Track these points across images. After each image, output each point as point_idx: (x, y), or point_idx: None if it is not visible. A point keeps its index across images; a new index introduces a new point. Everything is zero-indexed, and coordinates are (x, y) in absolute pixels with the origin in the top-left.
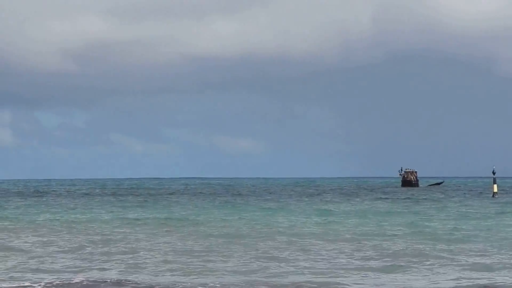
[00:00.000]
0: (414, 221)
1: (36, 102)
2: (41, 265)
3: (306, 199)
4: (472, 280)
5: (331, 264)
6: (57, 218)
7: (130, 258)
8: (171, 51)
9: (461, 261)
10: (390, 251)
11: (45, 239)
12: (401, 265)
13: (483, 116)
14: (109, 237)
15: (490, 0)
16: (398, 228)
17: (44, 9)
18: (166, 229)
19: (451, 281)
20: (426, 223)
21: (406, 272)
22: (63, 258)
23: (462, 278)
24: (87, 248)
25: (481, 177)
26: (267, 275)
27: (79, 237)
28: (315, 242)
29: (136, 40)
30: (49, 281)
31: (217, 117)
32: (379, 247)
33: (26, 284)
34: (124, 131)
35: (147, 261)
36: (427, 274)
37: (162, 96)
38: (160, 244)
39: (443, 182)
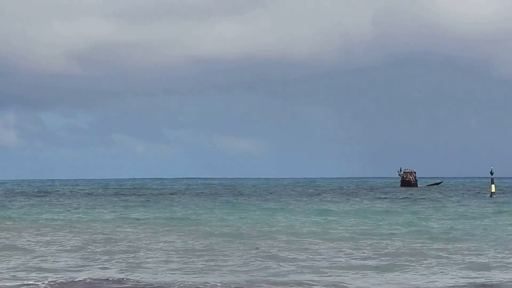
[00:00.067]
0: (412, 220)
1: (40, 103)
2: (44, 264)
3: (306, 199)
4: (469, 279)
5: (331, 263)
6: (60, 217)
7: (132, 257)
8: (174, 53)
9: (458, 260)
10: (389, 250)
11: (48, 238)
12: (399, 264)
13: (481, 117)
14: (111, 236)
15: (489, 4)
16: (397, 228)
17: (49, 12)
18: (167, 228)
19: (448, 280)
20: (424, 223)
21: (404, 271)
22: (66, 257)
23: (459, 277)
24: (89, 247)
25: (479, 177)
26: (267, 273)
27: (82, 237)
28: (315, 241)
29: (139, 42)
30: (52, 280)
31: (219, 118)
32: (378, 246)
33: (30, 282)
34: (127, 132)
35: (149, 260)
36: (425, 273)
37: (165, 97)
38: (162, 243)
39: (442, 182)
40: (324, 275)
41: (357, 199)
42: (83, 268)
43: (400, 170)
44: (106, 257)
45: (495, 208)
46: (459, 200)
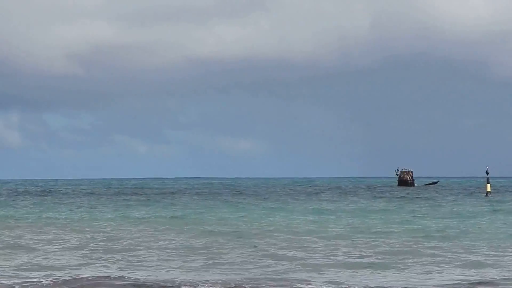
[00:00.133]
0: (408, 219)
1: (44, 104)
2: (47, 262)
3: (305, 198)
4: (464, 277)
5: (328, 260)
6: (63, 216)
7: (133, 255)
8: (174, 54)
9: (453, 258)
10: (385, 248)
11: (51, 237)
12: (395, 262)
13: (478, 118)
14: (113, 235)
15: (486, 6)
16: (393, 226)
17: (52, 14)
18: (168, 227)
19: (443, 277)
20: (420, 221)
21: (400, 269)
22: (68, 255)
23: (454, 274)
24: (91, 246)
25: (475, 177)
26: (266, 271)
27: (84, 235)
28: (312, 240)
29: (140, 44)
30: (56, 277)
31: (219, 118)
32: (374, 245)
33: (34, 280)
34: (128, 132)
35: (150, 258)
36: (420, 271)
37: (166, 98)
38: (162, 242)
39: (438, 181)
40: (322, 273)
41: (355, 198)
42: (85, 266)
43: (398, 170)
44: (108, 255)
45: (490, 207)
46: (455, 199)
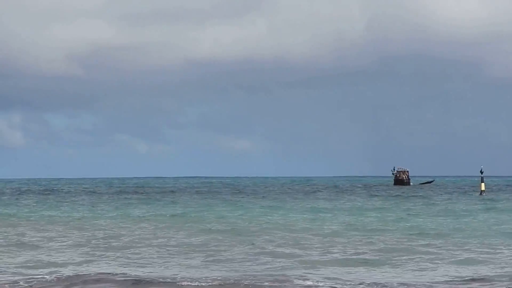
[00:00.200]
0: (404, 217)
1: (45, 105)
2: (51, 259)
3: (302, 196)
4: (457, 273)
5: (324, 258)
6: (65, 214)
7: (134, 252)
8: (173, 55)
9: (447, 255)
10: (380, 246)
11: (53, 235)
12: (390, 259)
13: (472, 118)
14: (114, 232)
15: (479, 8)
16: (388, 224)
17: (52, 16)
18: (168, 225)
19: (437, 274)
20: (415, 219)
21: (395, 266)
22: (71, 252)
23: (448, 271)
24: (93, 243)
25: (470, 176)
26: (264, 268)
27: (86, 233)
28: (309, 237)
29: (140, 45)
30: (59, 274)
31: (218, 119)
32: (370, 242)
33: (39, 277)
34: (129, 132)
35: (151, 255)
36: (415, 268)
37: (165, 98)
38: (163, 239)
39: (434, 181)
40: (318, 269)
41: (351, 197)
42: (87, 263)
43: (394, 169)
44: (109, 253)
45: (484, 206)
46: (449, 198)
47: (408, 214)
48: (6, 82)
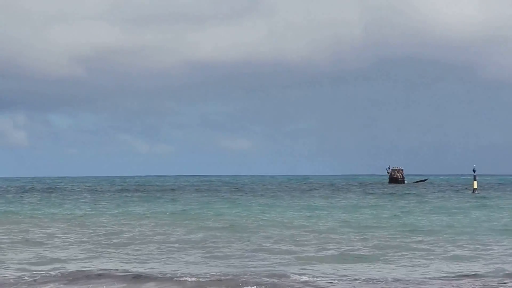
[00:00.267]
0: (397, 214)
1: (49, 105)
2: (54, 255)
3: (299, 194)
4: (449, 269)
5: (320, 254)
6: (68, 212)
7: (135, 249)
8: (174, 57)
9: (440, 252)
10: (374, 242)
11: (57, 232)
12: (384, 255)
13: (466, 117)
14: (116, 229)
15: (474, 9)
16: (383, 221)
17: (56, 20)
18: (169, 222)
19: (430, 270)
20: (408, 216)
21: (389, 262)
22: (74, 249)
23: (440, 267)
24: (96, 240)
25: (463, 174)
26: (261, 264)
27: (88, 230)
28: (305, 234)
29: (141, 47)
30: (62, 270)
31: (217, 119)
32: (364, 238)
33: (43, 272)
34: (130, 132)
35: (152, 251)
36: (407, 264)
37: (166, 99)
38: (163, 236)
39: (428, 179)
40: (314, 265)
41: (347, 194)
42: (90, 259)
43: (389, 168)
44: (111, 249)
45: (476, 203)
46: (443, 196)
47: (402, 211)
48: (11, 84)
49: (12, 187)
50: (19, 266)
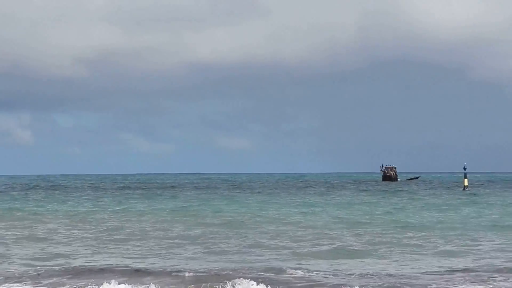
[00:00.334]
0: (390, 211)
1: (53, 105)
2: (57, 251)
3: (295, 191)
4: (440, 264)
5: (315, 249)
6: (72, 209)
7: (136, 245)
8: (174, 58)
9: (431, 247)
10: (368, 238)
11: (60, 228)
12: (377, 251)
13: (456, 117)
14: (118, 226)
15: (465, 11)
16: (375, 217)
17: (60, 22)
18: (169, 218)
19: (422, 265)
20: (401, 213)
21: (382, 257)
22: (77, 245)
23: (432, 262)
24: (98, 236)
25: (454, 172)
26: (258, 259)
27: (91, 226)
28: (300, 230)
29: (142, 48)
30: (66, 265)
31: (216, 118)
32: (357, 234)
33: (46, 267)
34: (132, 131)
35: (152, 247)
36: (400, 259)
37: (166, 99)
38: (164, 232)
39: (420, 176)
40: (309, 260)
41: (341, 192)
42: (92, 255)
43: (382, 166)
44: (113, 245)
45: (466, 200)
46: (435, 193)
47: (395, 208)
48: (16, 85)
49: (17, 185)
50: (23, 261)
